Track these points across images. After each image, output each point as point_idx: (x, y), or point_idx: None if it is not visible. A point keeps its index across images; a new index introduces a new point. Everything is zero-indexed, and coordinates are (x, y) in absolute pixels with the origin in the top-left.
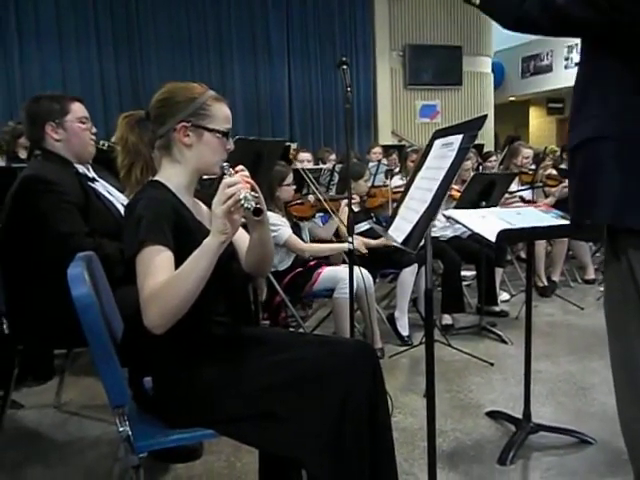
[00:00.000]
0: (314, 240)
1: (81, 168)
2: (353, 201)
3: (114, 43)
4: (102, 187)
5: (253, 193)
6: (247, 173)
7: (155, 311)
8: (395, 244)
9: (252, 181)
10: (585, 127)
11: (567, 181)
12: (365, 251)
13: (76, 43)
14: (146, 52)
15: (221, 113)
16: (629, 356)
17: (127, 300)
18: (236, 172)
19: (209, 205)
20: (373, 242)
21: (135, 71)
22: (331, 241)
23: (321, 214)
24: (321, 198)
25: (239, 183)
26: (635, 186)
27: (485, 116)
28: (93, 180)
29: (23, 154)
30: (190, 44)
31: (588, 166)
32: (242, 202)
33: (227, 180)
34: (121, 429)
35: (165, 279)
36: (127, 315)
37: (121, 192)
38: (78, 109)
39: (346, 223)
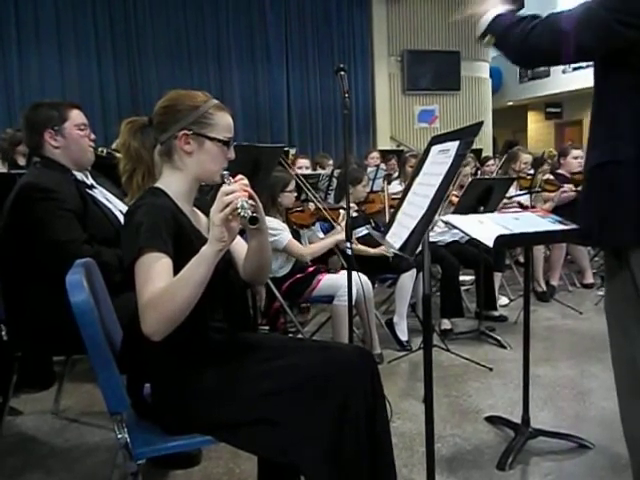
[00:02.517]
0: None
1: (79, 175)
2: (351, 208)
3: (113, 50)
4: (100, 194)
5: (250, 202)
6: (246, 182)
7: (153, 318)
8: (392, 250)
9: (250, 190)
10: (602, 149)
11: (583, 198)
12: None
13: (75, 50)
14: (145, 59)
15: (223, 122)
16: (631, 358)
17: (126, 307)
18: (236, 181)
19: (207, 214)
20: (372, 251)
21: (134, 78)
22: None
23: (321, 222)
24: (320, 207)
25: (237, 191)
26: None
27: (481, 123)
28: (91, 187)
29: (22, 161)
30: (189, 50)
31: (608, 189)
32: (239, 210)
33: (225, 188)
34: (119, 436)
35: (163, 286)
36: (126, 322)
37: (120, 199)
38: (77, 116)
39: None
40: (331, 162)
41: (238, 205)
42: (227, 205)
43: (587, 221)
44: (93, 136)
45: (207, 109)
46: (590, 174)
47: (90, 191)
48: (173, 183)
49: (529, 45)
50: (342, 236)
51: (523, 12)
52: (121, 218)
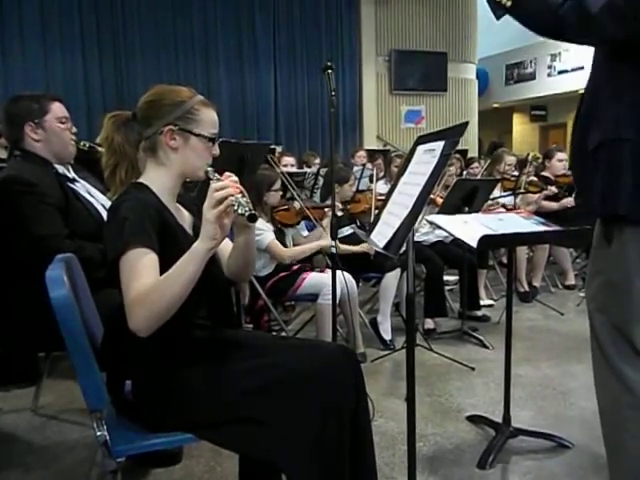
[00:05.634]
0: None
1: (61, 168)
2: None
3: (99, 44)
4: (82, 188)
5: (246, 199)
6: (236, 178)
7: (141, 314)
8: (376, 249)
9: (241, 187)
10: (607, 128)
11: (579, 178)
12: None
13: (60, 44)
14: (131, 54)
15: (208, 118)
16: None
17: (107, 303)
18: (225, 177)
19: (190, 211)
20: (355, 248)
21: (119, 73)
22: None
23: (305, 220)
24: (304, 207)
25: (228, 187)
26: None
27: (466, 123)
28: (73, 181)
29: (3, 154)
30: (176, 47)
31: (612, 165)
32: (236, 207)
33: (215, 185)
34: (99, 433)
35: (152, 282)
36: (107, 318)
37: (103, 193)
38: (57, 109)
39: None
40: (318, 160)
41: (235, 202)
42: (220, 202)
43: (586, 196)
44: (74, 129)
45: (193, 105)
46: (598, 150)
47: (72, 185)
48: (157, 179)
49: (558, 18)
50: (326, 242)
51: None
52: (104, 212)
